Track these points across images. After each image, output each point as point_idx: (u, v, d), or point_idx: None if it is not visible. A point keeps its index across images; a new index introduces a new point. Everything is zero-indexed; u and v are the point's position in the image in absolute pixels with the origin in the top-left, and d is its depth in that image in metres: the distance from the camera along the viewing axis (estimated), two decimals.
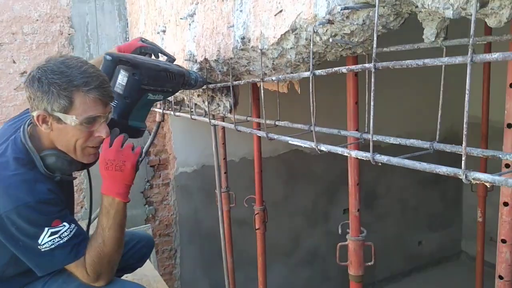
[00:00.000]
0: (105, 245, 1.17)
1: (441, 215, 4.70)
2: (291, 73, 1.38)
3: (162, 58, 1.60)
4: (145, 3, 2.54)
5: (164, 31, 2.19)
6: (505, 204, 1.11)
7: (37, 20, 2.81)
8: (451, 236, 4.81)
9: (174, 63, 1.59)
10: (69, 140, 1.14)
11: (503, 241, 1.14)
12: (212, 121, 1.82)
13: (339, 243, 1.64)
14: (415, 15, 0.96)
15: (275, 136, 1.32)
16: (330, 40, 1.03)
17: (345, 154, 1.02)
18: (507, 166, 1.06)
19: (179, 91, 2.05)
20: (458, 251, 4.96)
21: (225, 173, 2.73)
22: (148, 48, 1.51)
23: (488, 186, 0.70)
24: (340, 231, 1.74)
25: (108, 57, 1.22)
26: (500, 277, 1.15)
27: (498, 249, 1.16)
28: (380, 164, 0.94)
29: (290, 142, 1.23)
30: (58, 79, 1.08)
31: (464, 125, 0.72)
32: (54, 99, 1.08)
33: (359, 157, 0.97)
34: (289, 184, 3.84)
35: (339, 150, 1.04)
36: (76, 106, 1.09)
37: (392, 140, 1.11)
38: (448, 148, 0.97)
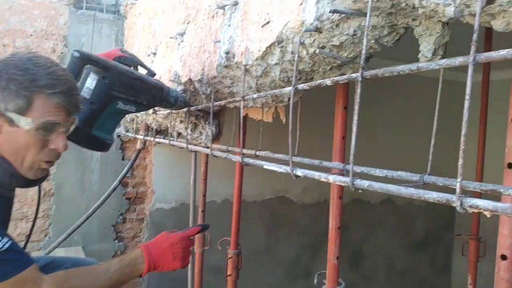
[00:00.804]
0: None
1: (429, 281, 4.44)
2: (277, 96, 1.28)
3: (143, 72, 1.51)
4: (142, 28, 2.50)
5: (154, 54, 2.12)
6: (503, 257, 0.96)
7: (31, 35, 2.77)
8: None
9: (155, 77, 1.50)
10: (19, 148, 0.98)
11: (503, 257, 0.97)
12: (190, 146, 1.69)
13: None
14: (411, 31, 0.87)
15: (251, 161, 1.19)
16: (317, 51, 0.94)
17: (323, 179, 0.88)
18: None
19: (161, 110, 1.94)
20: None
21: (202, 211, 2.55)
22: (127, 59, 1.41)
23: (488, 215, 0.57)
24: (316, 281, 1.56)
25: (76, 54, 1.12)
26: None
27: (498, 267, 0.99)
28: (360, 190, 0.80)
29: (265, 167, 1.10)
30: (20, 76, 0.95)
31: (461, 147, 0.60)
32: (11, 97, 0.94)
33: (337, 183, 0.84)
34: (272, 233, 3.64)
35: (316, 174, 0.91)
36: (35, 108, 0.95)
37: (378, 172, 0.98)
38: (440, 181, 0.84)
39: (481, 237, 2.74)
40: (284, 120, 1.52)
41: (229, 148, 1.67)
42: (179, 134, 2.20)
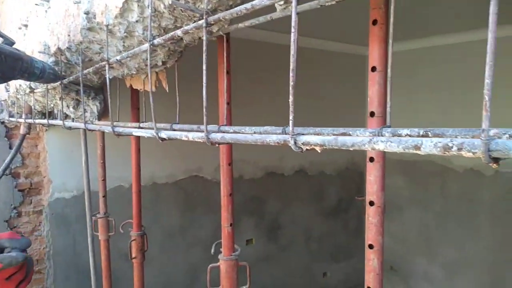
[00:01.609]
0: None
1: (345, 245, 4.71)
2: (145, 59, 1.19)
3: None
4: None
5: (26, 25, 1.90)
6: (371, 203, 0.99)
7: None
8: (354, 266, 4.82)
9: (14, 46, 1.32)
10: None
11: (370, 246, 1.01)
12: (66, 123, 1.53)
13: (210, 265, 1.42)
14: None
15: (121, 130, 1.10)
16: (171, 2, 0.86)
17: (183, 138, 0.83)
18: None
19: (38, 88, 1.76)
20: (362, 281, 4.98)
21: (103, 196, 2.39)
22: None
23: (319, 150, 0.55)
24: (213, 251, 1.53)
25: None
26: None
27: (366, 256, 1.03)
28: (217, 145, 0.76)
29: (134, 133, 1.02)
30: None
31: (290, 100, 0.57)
32: None
33: (195, 139, 0.79)
34: (187, 213, 3.57)
35: (177, 134, 0.85)
36: None
37: (247, 129, 0.94)
38: (295, 130, 0.83)
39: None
40: (167, 88, 1.44)
41: (115, 124, 1.55)
42: (65, 115, 2.01)
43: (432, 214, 4.29)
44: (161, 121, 1.29)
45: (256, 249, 4.02)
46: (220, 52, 1.25)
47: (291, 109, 0.56)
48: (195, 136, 0.78)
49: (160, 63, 1.24)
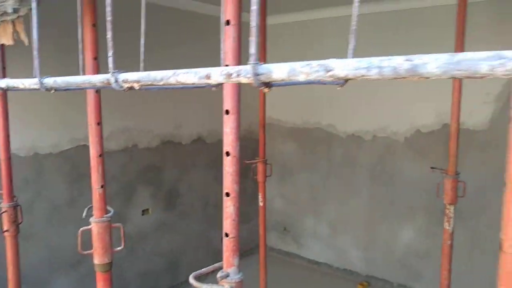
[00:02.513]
0: None
1: (243, 209, 4.89)
2: None
3: None
4: None
5: None
6: (227, 153, 1.05)
7: None
8: (252, 229, 5.06)
9: None
10: None
11: (227, 194, 1.08)
12: None
13: (82, 228, 1.39)
14: None
15: None
16: None
17: (20, 86, 0.79)
18: None
19: None
20: (257, 243, 5.27)
21: None
22: None
23: (137, 87, 0.57)
24: (84, 215, 1.49)
25: None
26: (226, 235, 1.09)
27: (224, 203, 1.09)
28: (53, 91, 0.74)
29: None
30: None
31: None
32: None
33: (31, 86, 0.75)
34: (76, 185, 3.38)
35: (14, 82, 0.80)
36: None
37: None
38: None
39: (267, 160, 3.09)
40: (26, 41, 1.33)
41: None
42: None
43: (319, 177, 4.66)
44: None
45: (154, 218, 4.00)
46: (86, 4, 1.19)
47: (109, 45, 0.56)
48: (30, 82, 0.75)
49: (10, 10, 1.13)
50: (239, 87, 1.03)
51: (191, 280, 1.02)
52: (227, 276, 1.06)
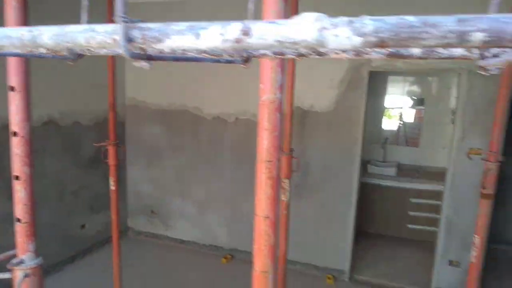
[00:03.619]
0: None
1: (105, 196, 4.70)
2: None
3: None
4: None
5: None
6: (15, 134, 1.00)
7: None
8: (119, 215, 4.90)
9: None
10: None
11: (17, 177, 1.03)
12: None
13: None
14: None
15: None
16: None
17: None
18: None
19: None
20: (125, 228, 5.14)
21: None
22: None
23: None
24: None
25: None
26: (18, 220, 1.05)
27: (14, 187, 1.05)
28: None
29: None
30: None
31: None
32: None
33: None
34: None
35: None
36: None
37: None
38: None
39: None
40: None
41: None
42: None
43: (186, 158, 4.71)
44: None
45: None
46: None
47: None
48: None
49: None
50: (27, 60, 0.97)
51: None
52: (21, 262, 1.02)
